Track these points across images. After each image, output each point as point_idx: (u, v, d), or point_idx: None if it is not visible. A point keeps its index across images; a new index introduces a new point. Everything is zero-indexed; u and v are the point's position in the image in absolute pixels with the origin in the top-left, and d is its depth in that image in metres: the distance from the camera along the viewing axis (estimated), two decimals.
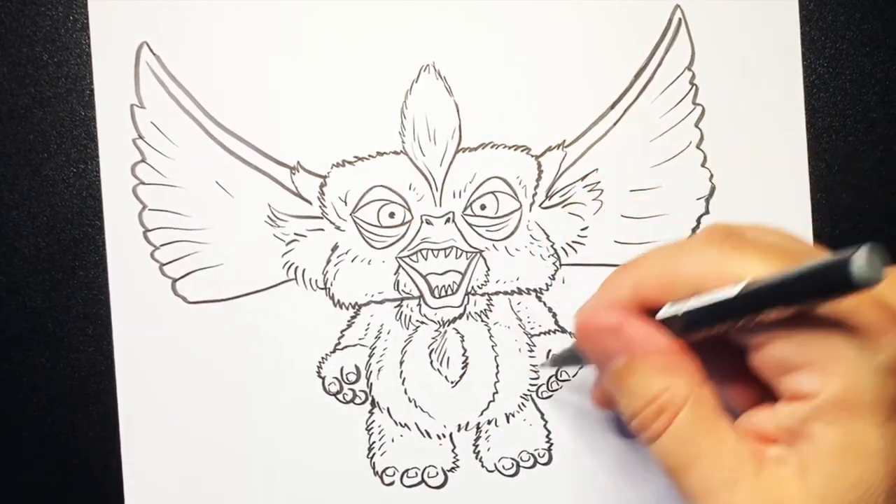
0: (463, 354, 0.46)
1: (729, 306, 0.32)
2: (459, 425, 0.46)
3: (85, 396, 0.46)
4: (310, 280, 0.46)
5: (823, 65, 0.48)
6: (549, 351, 0.46)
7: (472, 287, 0.46)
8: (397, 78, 0.46)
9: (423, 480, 0.46)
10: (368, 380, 0.46)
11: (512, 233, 0.46)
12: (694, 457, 0.34)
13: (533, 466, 0.46)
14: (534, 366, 0.46)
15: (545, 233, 0.46)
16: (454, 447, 0.46)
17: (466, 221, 0.46)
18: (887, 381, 0.31)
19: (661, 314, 0.35)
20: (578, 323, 0.37)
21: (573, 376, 0.46)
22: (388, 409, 0.46)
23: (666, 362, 0.35)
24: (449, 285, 0.46)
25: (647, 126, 0.46)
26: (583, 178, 0.46)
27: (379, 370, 0.46)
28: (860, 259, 0.27)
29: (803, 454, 0.32)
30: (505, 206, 0.46)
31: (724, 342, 0.35)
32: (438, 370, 0.46)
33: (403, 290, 0.46)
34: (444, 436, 0.46)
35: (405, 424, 0.46)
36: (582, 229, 0.46)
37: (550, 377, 0.46)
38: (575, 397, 0.46)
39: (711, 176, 0.47)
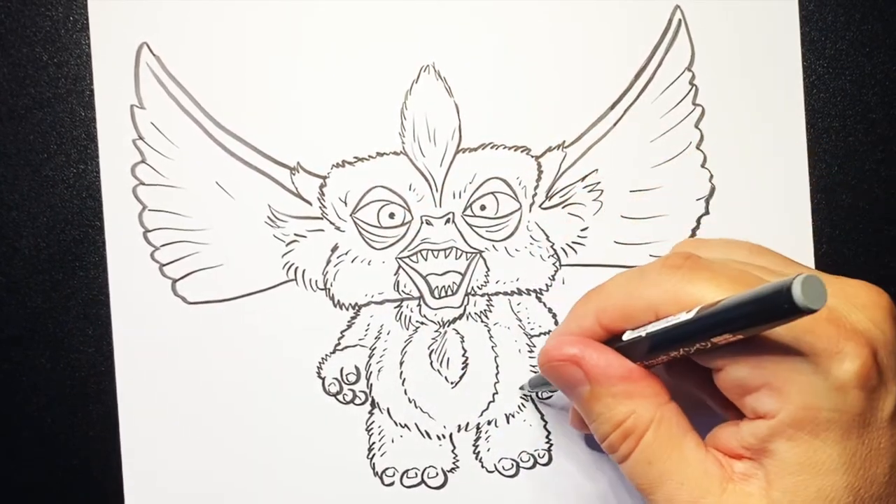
0: (463, 355, 0.46)
1: (683, 331, 0.34)
2: (459, 426, 0.46)
3: (85, 396, 0.46)
4: (310, 280, 0.46)
5: (823, 65, 0.48)
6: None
7: (472, 288, 0.46)
8: (397, 78, 0.46)
9: (422, 481, 0.46)
10: (368, 380, 0.46)
11: (512, 233, 0.46)
12: (661, 476, 0.35)
13: (533, 467, 0.46)
14: (534, 367, 0.46)
15: (545, 233, 0.46)
16: (454, 448, 0.46)
17: (466, 222, 0.46)
18: (843, 397, 0.32)
19: (624, 339, 0.37)
20: (540, 358, 0.39)
21: None
22: (388, 409, 0.46)
23: (627, 388, 0.36)
24: (449, 286, 0.46)
25: (647, 126, 0.46)
26: (583, 179, 0.46)
27: (379, 371, 0.46)
28: (799, 286, 0.28)
29: (767, 470, 0.34)
30: (505, 206, 0.46)
31: (691, 360, 0.36)
32: (438, 371, 0.46)
33: (403, 291, 0.46)
34: (443, 436, 0.46)
35: (405, 425, 0.46)
36: (582, 230, 0.46)
37: None
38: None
39: (711, 176, 0.47)
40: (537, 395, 0.46)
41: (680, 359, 0.35)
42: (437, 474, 0.46)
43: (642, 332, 0.36)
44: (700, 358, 0.35)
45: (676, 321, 0.34)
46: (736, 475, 0.34)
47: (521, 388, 0.46)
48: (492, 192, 0.46)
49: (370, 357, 0.46)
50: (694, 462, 0.35)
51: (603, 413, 0.37)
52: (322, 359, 0.46)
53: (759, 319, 0.30)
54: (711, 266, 0.35)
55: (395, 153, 0.46)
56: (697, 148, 0.47)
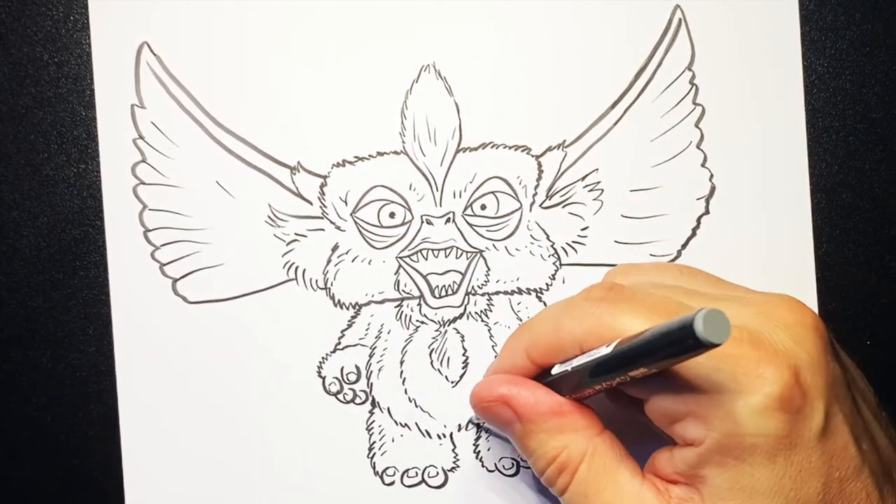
0: (463, 354, 0.46)
1: (603, 366, 0.34)
2: (460, 425, 0.46)
3: (85, 396, 0.45)
4: (310, 280, 0.46)
5: (823, 65, 0.48)
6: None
7: (473, 287, 0.46)
8: (397, 78, 0.46)
9: (423, 480, 0.46)
10: (369, 380, 0.46)
11: (512, 233, 0.46)
12: None
13: None
14: None
15: (545, 233, 0.46)
16: (454, 447, 0.46)
17: (467, 221, 0.46)
18: (766, 421, 0.32)
19: (554, 372, 0.38)
20: (471, 399, 0.41)
21: None
22: (388, 408, 0.46)
23: (558, 423, 0.37)
24: (449, 285, 0.46)
25: (647, 126, 0.46)
26: (583, 178, 0.46)
27: (379, 370, 0.46)
28: (701, 321, 0.28)
29: (703, 495, 0.34)
30: (505, 206, 0.46)
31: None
32: (439, 370, 0.46)
33: (404, 290, 0.46)
34: (444, 436, 0.46)
35: (405, 424, 0.46)
36: (582, 229, 0.46)
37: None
38: None
39: (711, 176, 0.47)
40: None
41: (614, 388, 0.36)
42: (438, 473, 0.46)
43: (568, 367, 0.37)
44: (627, 389, 0.36)
45: (596, 356, 0.35)
46: (673, 500, 0.35)
47: (471, 420, 0.46)
48: (492, 192, 0.46)
49: (370, 356, 0.46)
50: (630, 492, 0.35)
51: (536, 449, 0.38)
52: (322, 358, 0.46)
53: (667, 354, 0.31)
54: (633, 296, 0.36)
55: (396, 152, 0.46)
56: (698, 147, 0.47)
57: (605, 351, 0.34)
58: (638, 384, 0.35)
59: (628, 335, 0.33)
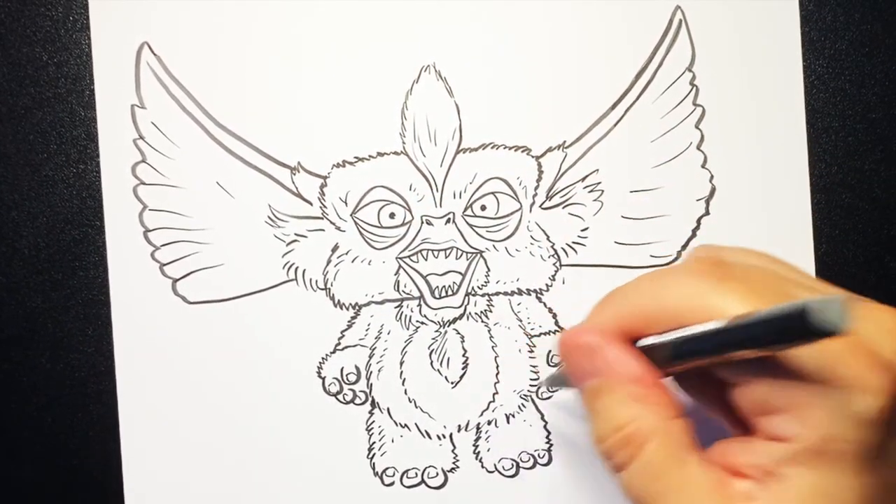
0: (463, 355, 0.46)
1: (711, 342, 0.32)
2: (459, 426, 0.46)
3: (85, 396, 0.46)
4: (310, 280, 0.46)
5: (823, 65, 0.48)
6: (549, 360, 0.46)
7: (473, 288, 0.46)
8: (398, 78, 0.46)
9: (423, 481, 0.46)
10: (368, 380, 0.46)
11: (512, 233, 0.46)
12: (659, 492, 0.33)
13: (533, 467, 0.46)
14: (534, 367, 0.46)
15: (545, 233, 0.46)
16: (454, 447, 0.46)
17: (467, 222, 0.46)
18: (866, 430, 0.31)
19: (642, 343, 0.35)
20: (560, 340, 0.38)
21: None
22: (388, 409, 0.46)
23: (637, 392, 0.35)
24: (449, 286, 0.46)
25: (647, 127, 0.46)
26: (583, 179, 0.46)
27: (379, 370, 0.46)
28: (821, 308, 0.27)
29: (774, 493, 0.32)
30: (505, 206, 0.46)
31: (707, 371, 0.35)
32: (438, 371, 0.46)
33: (404, 291, 0.46)
34: (444, 436, 0.46)
35: (405, 425, 0.46)
36: (582, 230, 0.46)
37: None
38: (574, 398, 0.46)
39: (712, 177, 0.47)
40: (537, 395, 0.46)
41: (694, 370, 0.34)
42: (437, 474, 0.46)
43: (665, 339, 0.34)
44: (720, 371, 0.34)
45: (703, 330, 0.32)
46: (737, 495, 0.33)
47: (540, 384, 0.46)
48: (492, 192, 0.46)
49: (370, 357, 0.46)
50: (696, 481, 0.33)
51: (605, 411, 0.35)
52: (322, 359, 0.46)
53: (779, 339, 0.30)
54: (742, 276, 0.34)
55: (396, 153, 0.46)
56: (698, 148, 0.47)
57: (713, 326, 0.32)
58: (735, 367, 0.33)
59: (734, 315, 0.32)
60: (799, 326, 0.28)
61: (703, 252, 0.38)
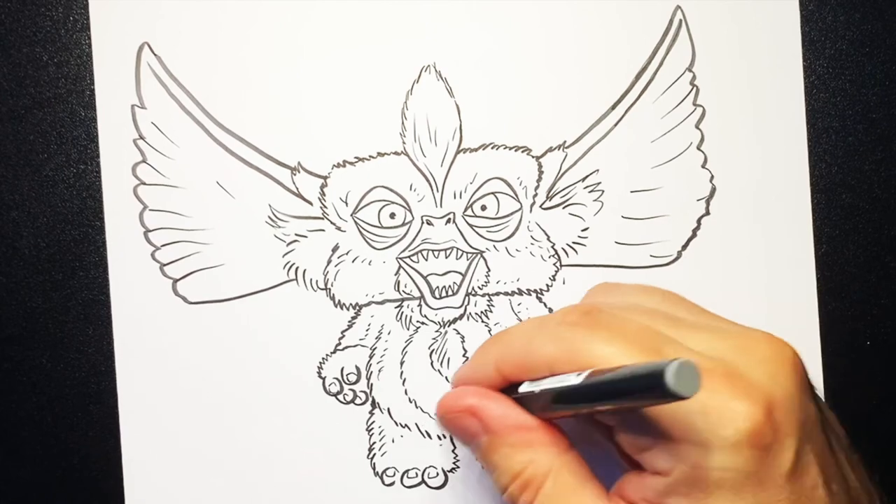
0: (463, 355, 0.46)
1: (571, 394, 0.34)
2: None
3: (85, 396, 0.45)
4: (310, 280, 0.46)
5: (823, 65, 0.48)
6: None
7: (473, 288, 0.46)
8: (398, 78, 0.46)
9: (423, 481, 0.46)
10: (369, 380, 0.46)
11: (512, 233, 0.46)
12: None
13: None
14: None
15: (546, 233, 0.46)
16: (454, 447, 0.46)
17: (467, 222, 0.46)
18: (735, 456, 0.32)
19: (522, 389, 0.37)
20: (438, 409, 0.40)
21: None
22: (388, 409, 0.46)
23: (525, 437, 0.36)
24: (449, 286, 0.46)
25: (647, 127, 0.46)
26: (583, 179, 0.46)
27: (379, 371, 0.46)
28: (673, 373, 0.27)
29: None
30: (505, 206, 0.46)
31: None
32: (439, 371, 0.46)
33: (404, 291, 0.46)
34: (444, 436, 0.46)
35: (405, 425, 0.46)
36: (583, 230, 0.46)
37: None
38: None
39: (712, 177, 0.47)
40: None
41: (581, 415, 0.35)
42: (438, 474, 0.46)
43: (536, 388, 0.36)
44: (595, 415, 0.35)
45: (565, 383, 0.34)
46: None
47: (441, 436, 0.46)
48: (492, 193, 0.46)
49: (371, 357, 0.46)
50: None
51: (500, 463, 0.37)
52: (322, 359, 0.46)
53: (635, 398, 0.30)
54: (610, 323, 0.35)
55: (396, 153, 0.46)
56: (698, 148, 0.47)
57: (574, 380, 0.33)
58: (611, 411, 0.34)
59: (601, 364, 0.33)
60: (653, 389, 0.28)
61: (587, 298, 0.41)
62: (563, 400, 0.34)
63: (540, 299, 0.46)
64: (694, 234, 0.47)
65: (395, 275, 0.46)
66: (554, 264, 0.46)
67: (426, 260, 0.46)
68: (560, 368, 0.35)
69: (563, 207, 0.46)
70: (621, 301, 0.39)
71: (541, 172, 0.46)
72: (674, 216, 0.47)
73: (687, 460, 0.32)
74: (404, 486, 0.46)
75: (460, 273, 0.46)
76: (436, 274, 0.46)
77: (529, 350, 0.37)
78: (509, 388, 0.38)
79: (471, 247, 0.46)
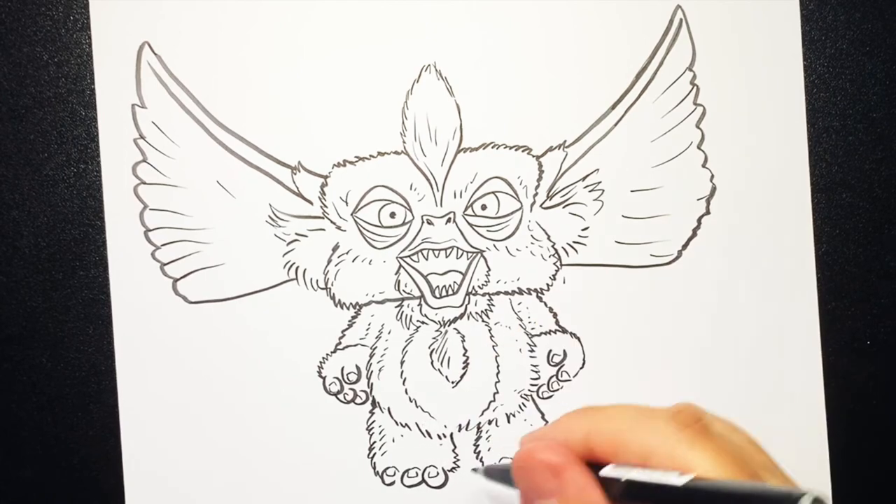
0: (464, 354, 0.46)
1: (669, 493, 0.32)
2: (460, 425, 0.46)
3: (85, 396, 0.45)
4: (311, 280, 0.46)
5: (823, 65, 0.48)
6: (549, 360, 0.46)
7: (473, 287, 0.46)
8: (398, 78, 0.46)
9: (423, 480, 0.46)
10: (369, 380, 0.46)
11: (513, 233, 0.46)
12: None
13: None
14: (534, 366, 0.46)
15: (546, 233, 0.46)
16: (455, 447, 0.46)
17: (467, 221, 0.46)
18: None
19: (604, 472, 0.35)
20: (521, 452, 0.37)
21: (574, 376, 0.46)
22: (388, 409, 0.46)
23: None
24: (450, 285, 0.46)
25: (648, 126, 0.46)
26: (584, 179, 0.46)
27: (380, 370, 0.46)
28: (809, 500, 0.27)
29: None
30: (506, 206, 0.46)
31: None
32: (439, 370, 0.46)
33: (404, 290, 0.46)
34: (444, 436, 0.46)
35: (406, 424, 0.46)
36: (583, 229, 0.46)
37: (551, 377, 0.46)
38: (575, 397, 0.46)
39: (712, 176, 0.47)
40: (538, 394, 0.46)
41: None
42: (438, 474, 0.46)
43: (623, 475, 0.34)
44: None
45: (664, 480, 0.33)
46: None
47: (475, 470, 0.45)
48: (493, 192, 0.46)
49: (371, 356, 0.46)
50: None
51: None
52: (323, 358, 0.46)
53: None
54: (718, 439, 0.34)
55: (397, 153, 0.46)
56: (698, 148, 0.47)
57: (675, 480, 0.32)
58: None
59: (701, 473, 0.32)
60: None
61: (689, 408, 0.39)
62: (654, 496, 0.33)
63: (540, 298, 0.46)
64: (694, 234, 0.47)
65: (396, 274, 0.46)
66: (554, 264, 0.46)
67: (426, 259, 0.46)
68: (656, 462, 0.34)
69: (564, 207, 0.46)
70: (716, 427, 0.37)
71: (541, 172, 0.46)
72: (674, 215, 0.47)
73: None
74: (404, 485, 0.46)
75: (460, 272, 0.46)
76: (436, 273, 0.46)
77: (632, 431, 0.35)
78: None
79: (471, 246, 0.46)
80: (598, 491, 0.35)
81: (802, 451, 0.47)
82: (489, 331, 0.46)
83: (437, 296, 0.46)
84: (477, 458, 0.46)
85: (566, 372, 0.46)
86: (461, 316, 0.46)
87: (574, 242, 0.46)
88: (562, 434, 0.37)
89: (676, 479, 0.32)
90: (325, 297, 0.46)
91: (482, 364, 0.46)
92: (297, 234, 0.46)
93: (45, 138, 0.45)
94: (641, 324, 0.46)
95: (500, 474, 0.42)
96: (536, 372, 0.46)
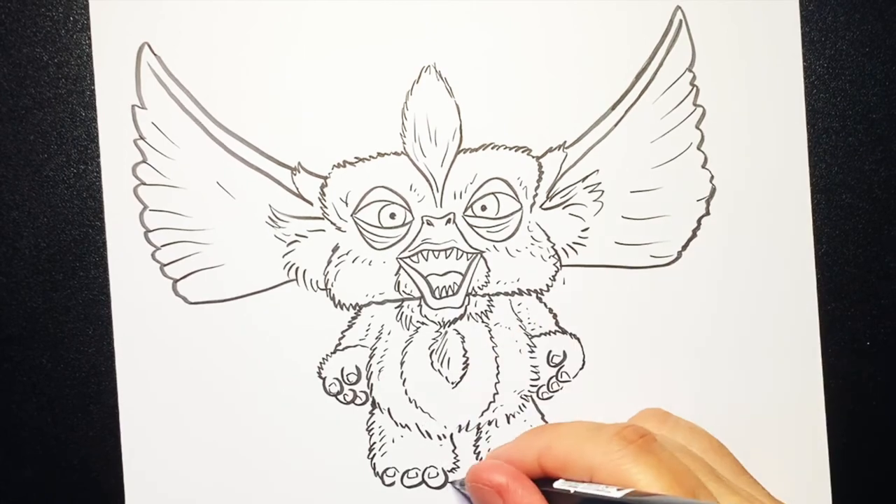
0: (463, 355, 0.46)
1: None
2: (460, 426, 0.46)
3: (85, 396, 0.45)
4: (310, 281, 0.46)
5: (823, 65, 0.48)
6: (549, 361, 0.46)
7: (473, 288, 0.46)
8: (398, 78, 0.46)
9: (423, 481, 0.46)
10: (369, 380, 0.46)
11: (512, 234, 0.46)
12: None
13: None
14: (534, 367, 0.46)
15: (546, 234, 0.46)
16: (455, 448, 0.46)
17: (467, 222, 0.46)
18: None
19: (557, 485, 0.38)
20: (469, 475, 0.41)
21: (573, 377, 0.46)
22: (388, 409, 0.46)
23: None
24: (450, 286, 0.46)
25: (647, 127, 0.46)
26: (583, 179, 0.46)
27: (379, 371, 0.46)
28: None
29: None
30: (505, 206, 0.46)
31: None
32: (439, 371, 0.46)
33: (404, 291, 0.46)
34: (444, 436, 0.46)
35: (406, 425, 0.46)
36: (583, 230, 0.46)
37: (551, 378, 0.46)
38: (575, 398, 0.46)
39: (712, 177, 0.47)
40: (538, 395, 0.46)
41: None
42: (438, 474, 0.46)
43: (571, 489, 0.37)
44: None
45: (603, 494, 0.35)
46: None
47: (452, 483, 0.46)
48: (492, 193, 0.46)
49: (371, 357, 0.46)
50: None
51: None
52: (323, 359, 0.46)
53: None
54: (660, 454, 0.36)
55: (396, 153, 0.46)
56: (698, 149, 0.47)
57: (614, 493, 0.34)
58: None
59: (642, 488, 0.34)
60: None
61: (642, 419, 0.42)
62: None
63: (540, 299, 0.46)
64: (694, 235, 0.47)
65: (396, 275, 0.46)
66: (554, 264, 0.46)
67: (426, 260, 0.46)
68: (600, 478, 0.36)
69: (564, 207, 0.46)
70: (671, 436, 0.40)
71: (541, 172, 0.46)
72: (674, 216, 0.47)
73: None
74: (404, 486, 0.46)
75: (460, 273, 0.46)
76: (436, 274, 0.46)
77: (577, 451, 0.37)
78: (543, 482, 0.39)
79: (471, 247, 0.46)
80: None
81: (802, 451, 0.47)
82: (489, 331, 0.46)
83: (437, 296, 0.46)
84: (477, 458, 0.46)
85: (566, 373, 0.46)
86: (461, 317, 0.46)
87: (574, 243, 0.46)
88: (515, 452, 0.40)
89: (615, 493, 0.34)
90: (324, 297, 0.46)
91: (482, 365, 0.46)
92: (296, 234, 0.46)
93: (44, 139, 0.45)
94: (641, 324, 0.47)
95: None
96: (536, 373, 0.46)
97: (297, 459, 0.45)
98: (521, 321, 0.46)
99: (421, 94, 0.46)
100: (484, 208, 0.46)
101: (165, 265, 0.45)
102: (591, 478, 0.36)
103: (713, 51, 0.47)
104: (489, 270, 0.46)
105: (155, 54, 0.45)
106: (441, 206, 0.46)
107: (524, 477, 0.39)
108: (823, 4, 0.48)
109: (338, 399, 0.46)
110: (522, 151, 0.46)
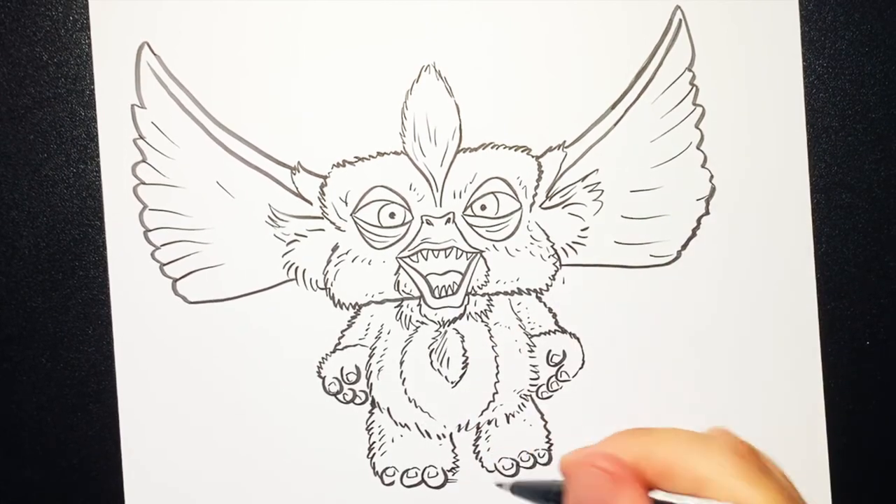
0: (463, 355, 0.46)
1: None
2: (459, 425, 0.46)
3: (85, 396, 0.46)
4: (310, 280, 0.46)
5: (823, 65, 0.48)
6: (548, 360, 0.46)
7: (473, 287, 0.46)
8: (398, 78, 0.46)
9: (422, 480, 0.46)
10: (368, 380, 0.46)
11: (512, 233, 0.46)
12: None
13: (533, 466, 0.46)
14: (534, 366, 0.46)
15: (545, 233, 0.46)
16: (454, 447, 0.46)
17: (467, 222, 0.46)
18: None
19: (654, 495, 0.34)
20: (577, 456, 0.36)
21: (573, 376, 0.46)
22: (388, 409, 0.46)
23: None
24: (449, 285, 0.46)
25: (647, 127, 0.46)
26: (583, 179, 0.46)
27: (379, 370, 0.46)
28: None
29: None
30: (505, 206, 0.46)
31: None
32: (438, 370, 0.46)
33: (404, 291, 0.46)
34: (444, 436, 0.46)
35: (405, 424, 0.46)
36: (582, 230, 0.46)
37: (550, 377, 0.46)
38: (575, 397, 0.46)
39: (712, 177, 0.47)
40: (537, 395, 0.46)
41: None
42: (437, 474, 0.46)
43: (678, 500, 0.33)
44: None
45: None
46: None
47: (500, 485, 0.44)
48: (492, 192, 0.46)
49: (370, 356, 0.46)
50: None
51: None
52: (322, 358, 0.46)
53: None
54: (776, 476, 0.34)
55: (396, 153, 0.46)
56: (698, 148, 0.47)
57: None
58: None
59: None
60: None
61: (740, 441, 0.38)
62: None
63: (540, 299, 0.46)
64: (694, 234, 0.47)
65: (395, 274, 0.46)
66: (553, 264, 0.46)
67: (426, 259, 0.46)
68: (711, 493, 0.33)
69: (563, 207, 0.46)
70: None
71: (540, 172, 0.46)
72: (674, 216, 0.47)
73: None
74: (404, 485, 0.46)
75: (460, 272, 0.46)
76: (435, 273, 0.46)
77: (687, 459, 0.34)
78: None
79: (470, 246, 0.46)
80: None
81: (802, 451, 0.47)
82: (489, 331, 0.46)
83: (437, 296, 0.46)
84: (476, 458, 0.46)
85: (565, 372, 0.46)
86: (461, 316, 0.46)
87: (573, 243, 0.46)
88: (614, 450, 0.36)
89: None
90: (324, 297, 0.46)
91: (481, 364, 0.46)
92: (296, 234, 0.46)
93: (44, 138, 0.45)
94: (641, 324, 0.46)
95: (529, 492, 0.42)
96: (536, 372, 0.46)
97: (296, 459, 0.45)
98: (520, 320, 0.46)
99: (420, 94, 0.46)
100: (483, 208, 0.46)
101: (165, 264, 0.45)
102: (697, 491, 0.33)
103: (713, 50, 0.47)
104: (489, 270, 0.46)
105: (154, 54, 0.45)
106: (441, 205, 0.46)
107: (632, 478, 0.36)
108: (823, 4, 0.48)
109: (337, 398, 0.46)
110: (522, 151, 0.46)
